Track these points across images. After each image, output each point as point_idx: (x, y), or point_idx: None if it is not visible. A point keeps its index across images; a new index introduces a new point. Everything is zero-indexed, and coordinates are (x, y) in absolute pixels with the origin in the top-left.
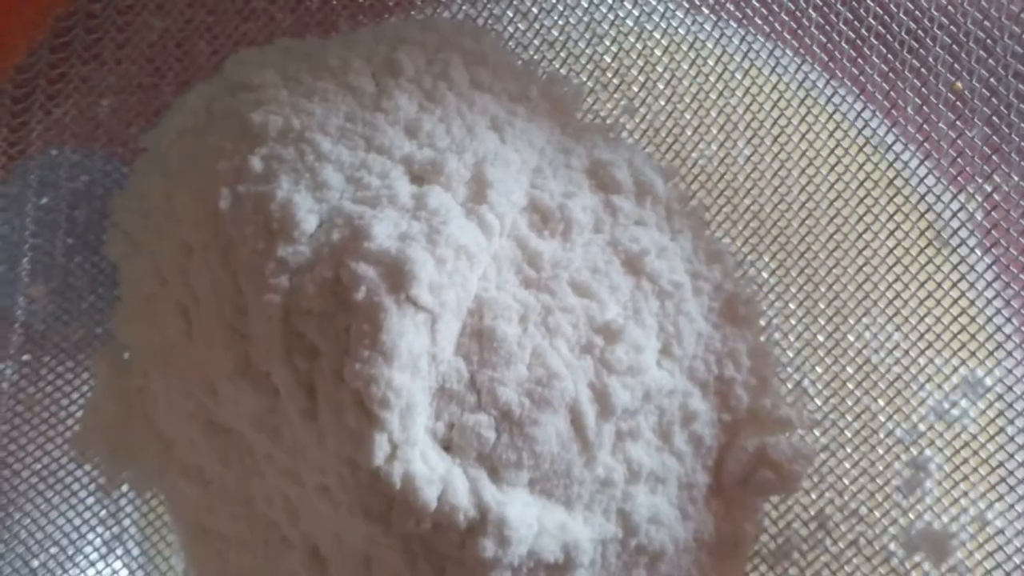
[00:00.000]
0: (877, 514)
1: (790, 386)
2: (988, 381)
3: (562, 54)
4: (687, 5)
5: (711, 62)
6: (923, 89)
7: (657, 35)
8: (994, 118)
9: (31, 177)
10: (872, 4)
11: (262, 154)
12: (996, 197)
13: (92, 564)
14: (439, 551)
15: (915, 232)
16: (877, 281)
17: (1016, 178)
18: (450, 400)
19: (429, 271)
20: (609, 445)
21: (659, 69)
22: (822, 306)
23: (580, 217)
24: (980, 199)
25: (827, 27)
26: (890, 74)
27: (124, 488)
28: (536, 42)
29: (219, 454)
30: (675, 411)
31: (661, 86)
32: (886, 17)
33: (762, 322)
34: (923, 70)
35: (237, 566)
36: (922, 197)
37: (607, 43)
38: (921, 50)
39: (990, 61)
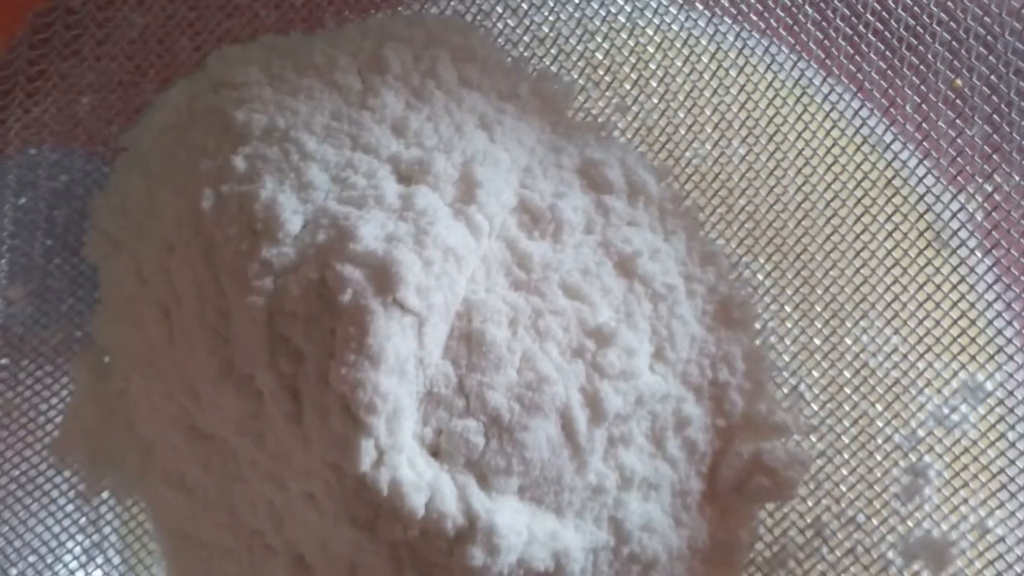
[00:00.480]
0: (875, 521)
1: (786, 391)
2: (988, 386)
3: (553, 51)
4: (680, 1)
5: (705, 59)
6: (922, 87)
7: (650, 32)
8: (995, 116)
9: (9, 177)
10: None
11: (245, 153)
12: (997, 197)
13: (72, 573)
14: (427, 559)
15: (914, 233)
16: (875, 283)
17: (1017, 178)
18: (438, 405)
19: (416, 273)
20: (601, 451)
21: (652, 66)
22: (819, 309)
23: (571, 217)
24: (980, 199)
25: (824, 23)
26: (888, 71)
27: (104, 495)
28: (526, 39)
29: (201, 460)
30: (668, 416)
31: (654, 84)
32: (884, 13)
33: (757, 325)
34: (922, 67)
35: (220, 574)
36: (921, 197)
37: (599, 40)
38: (920, 47)
39: (990, 58)
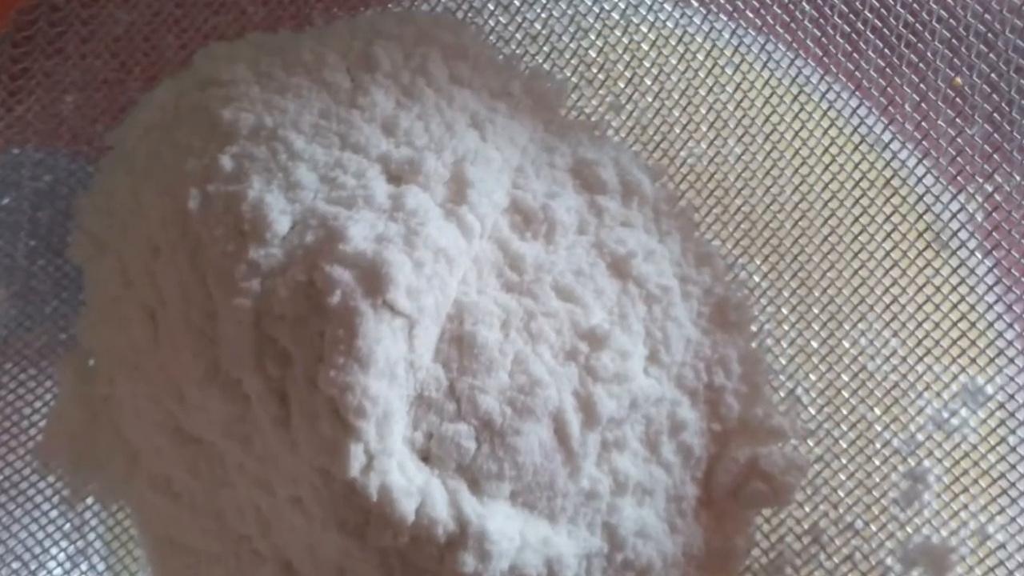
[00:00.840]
0: (873, 528)
1: (783, 394)
2: (989, 389)
3: (545, 48)
4: None
5: (700, 57)
6: (921, 85)
7: (644, 29)
8: (995, 115)
9: None
10: None
11: (233, 152)
12: (997, 197)
13: None
14: (417, 566)
15: (913, 234)
16: (873, 285)
17: (1018, 178)
18: (428, 409)
19: (407, 274)
20: (594, 456)
21: (646, 64)
22: (816, 311)
23: (564, 218)
24: (981, 199)
25: (821, 20)
26: (887, 69)
27: (89, 500)
28: (518, 36)
29: (188, 464)
30: (663, 420)
31: (648, 82)
32: (883, 10)
33: (754, 328)
34: (921, 65)
35: None
36: (920, 197)
37: (592, 37)
38: (919, 44)
39: (991, 56)
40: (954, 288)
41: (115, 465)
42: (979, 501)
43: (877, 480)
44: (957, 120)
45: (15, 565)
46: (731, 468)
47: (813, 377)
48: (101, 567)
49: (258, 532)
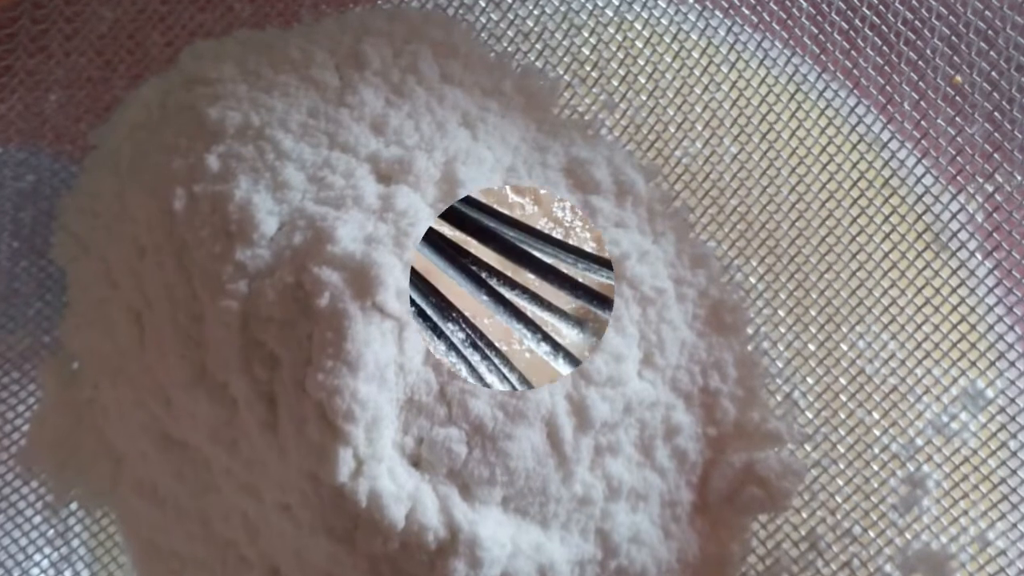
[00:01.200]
0: (872, 534)
1: (779, 398)
2: (989, 393)
3: (538, 46)
4: None
5: (696, 55)
6: (920, 83)
7: (638, 26)
8: (996, 114)
9: None
10: None
11: (219, 152)
12: (998, 198)
13: None
14: (407, 572)
15: (912, 234)
16: (872, 287)
17: (1019, 178)
18: (419, 413)
19: (396, 276)
20: (587, 460)
21: (640, 62)
22: (813, 313)
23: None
24: (981, 200)
25: (819, 17)
26: (885, 67)
27: (73, 506)
28: (510, 33)
29: (174, 469)
30: (657, 424)
31: (643, 80)
32: (881, 7)
33: (750, 330)
34: (920, 63)
35: None
36: (919, 198)
37: (585, 34)
38: (918, 42)
39: (991, 54)
40: (954, 290)
41: (99, 470)
42: (979, 507)
43: (876, 485)
44: (957, 119)
45: None
46: (727, 473)
47: (810, 380)
48: (85, 574)
49: (245, 538)
